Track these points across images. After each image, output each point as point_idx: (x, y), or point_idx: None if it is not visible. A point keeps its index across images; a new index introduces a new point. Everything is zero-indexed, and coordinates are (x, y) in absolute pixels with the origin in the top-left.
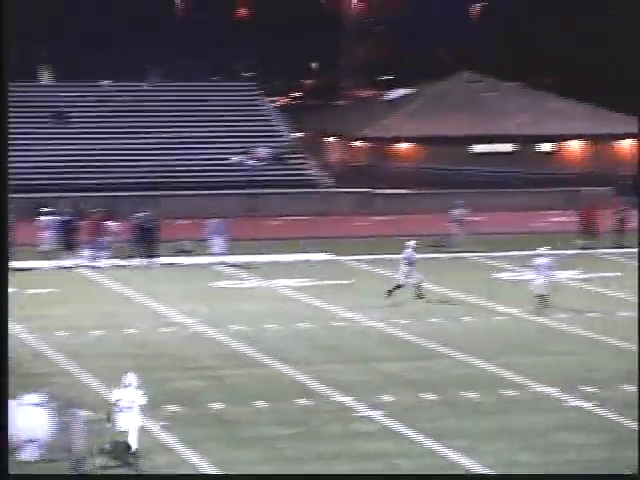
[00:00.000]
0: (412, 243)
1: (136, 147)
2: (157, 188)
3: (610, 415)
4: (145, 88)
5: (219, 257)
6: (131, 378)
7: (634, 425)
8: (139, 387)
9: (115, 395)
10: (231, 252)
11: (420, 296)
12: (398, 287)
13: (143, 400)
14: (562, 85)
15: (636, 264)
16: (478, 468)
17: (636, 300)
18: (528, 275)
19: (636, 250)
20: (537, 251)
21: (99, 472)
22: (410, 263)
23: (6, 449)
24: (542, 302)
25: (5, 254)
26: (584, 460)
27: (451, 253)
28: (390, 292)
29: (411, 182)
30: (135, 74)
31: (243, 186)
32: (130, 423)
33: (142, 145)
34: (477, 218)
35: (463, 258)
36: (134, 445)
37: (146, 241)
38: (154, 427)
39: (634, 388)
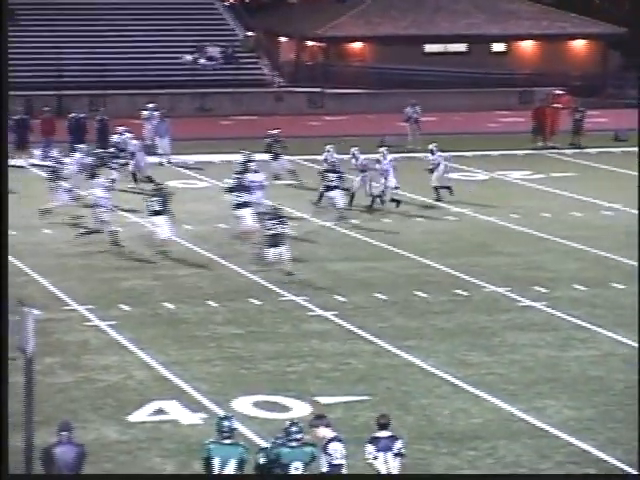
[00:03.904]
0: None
1: (86, 45)
2: (108, 87)
3: (560, 314)
4: None
5: (166, 157)
6: None
7: (583, 324)
8: None
9: None
10: (180, 152)
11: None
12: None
13: None
14: None
15: (592, 164)
16: (428, 367)
17: (589, 200)
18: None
19: (592, 150)
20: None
21: None
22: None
23: (6, 449)
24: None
25: (5, 247)
26: (530, 360)
27: (403, 153)
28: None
29: (363, 82)
30: None
31: (195, 85)
32: None
33: (93, 43)
34: (430, 118)
35: (415, 158)
36: None
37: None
38: (105, 326)
39: (583, 287)
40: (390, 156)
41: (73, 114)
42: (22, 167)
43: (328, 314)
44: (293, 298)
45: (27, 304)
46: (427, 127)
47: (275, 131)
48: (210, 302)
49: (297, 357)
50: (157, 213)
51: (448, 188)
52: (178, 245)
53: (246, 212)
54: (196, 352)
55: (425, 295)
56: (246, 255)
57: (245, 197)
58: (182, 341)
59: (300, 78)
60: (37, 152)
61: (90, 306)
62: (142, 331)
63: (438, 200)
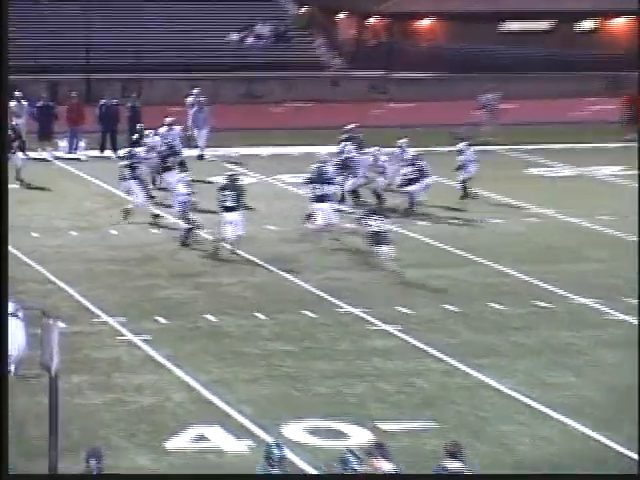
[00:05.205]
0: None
1: (119, 23)
2: (144, 70)
3: None
4: None
5: (201, 150)
6: None
7: None
8: None
9: None
10: (223, 143)
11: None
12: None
13: None
14: None
15: None
16: (504, 389)
17: None
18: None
19: None
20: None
21: None
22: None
23: (6, 449)
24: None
25: (4, 246)
26: (620, 382)
27: (478, 145)
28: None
29: (433, 64)
30: None
31: (241, 68)
32: None
33: (126, 21)
34: (508, 106)
35: (491, 151)
36: None
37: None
38: (139, 341)
39: None
40: (412, 150)
41: (104, 101)
42: (46, 160)
43: (391, 328)
44: (352, 310)
45: (51, 315)
46: (505, 116)
47: (351, 126)
48: (257, 314)
49: (356, 377)
50: (230, 209)
51: (465, 191)
52: (222, 250)
53: (325, 206)
54: (242, 371)
55: (501, 306)
56: (299, 260)
57: (325, 189)
58: (226, 358)
59: (361, 60)
60: (63, 144)
61: (122, 318)
62: (180, 347)
63: (463, 198)
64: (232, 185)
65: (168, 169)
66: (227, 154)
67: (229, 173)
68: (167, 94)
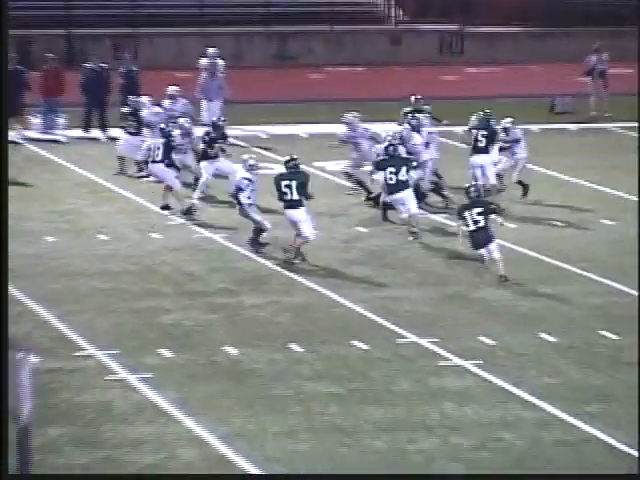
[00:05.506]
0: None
1: None
2: (142, 23)
3: None
4: None
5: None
6: None
7: None
8: None
9: None
10: (248, 120)
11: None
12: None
13: None
14: None
15: None
16: (621, 445)
17: None
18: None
19: None
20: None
21: None
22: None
23: (6, 449)
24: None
25: (4, 242)
26: None
27: (583, 123)
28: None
29: (523, 16)
30: None
31: (270, 21)
32: None
33: None
34: (622, 70)
35: (602, 130)
36: None
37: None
38: (137, 381)
39: None
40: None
41: (90, 64)
42: (14, 143)
43: (469, 364)
44: (417, 340)
45: (21, 347)
46: (617, 84)
47: (416, 97)
48: (293, 345)
49: (423, 428)
50: (295, 204)
51: (523, 186)
52: (245, 259)
53: (410, 195)
54: (272, 420)
55: (615, 337)
56: (348, 274)
57: (404, 173)
58: (251, 404)
59: (429, 10)
60: (36, 120)
61: (114, 351)
62: (191, 388)
63: (525, 194)
64: (294, 172)
65: (213, 157)
66: (252, 135)
67: (287, 157)
68: (173, 55)
